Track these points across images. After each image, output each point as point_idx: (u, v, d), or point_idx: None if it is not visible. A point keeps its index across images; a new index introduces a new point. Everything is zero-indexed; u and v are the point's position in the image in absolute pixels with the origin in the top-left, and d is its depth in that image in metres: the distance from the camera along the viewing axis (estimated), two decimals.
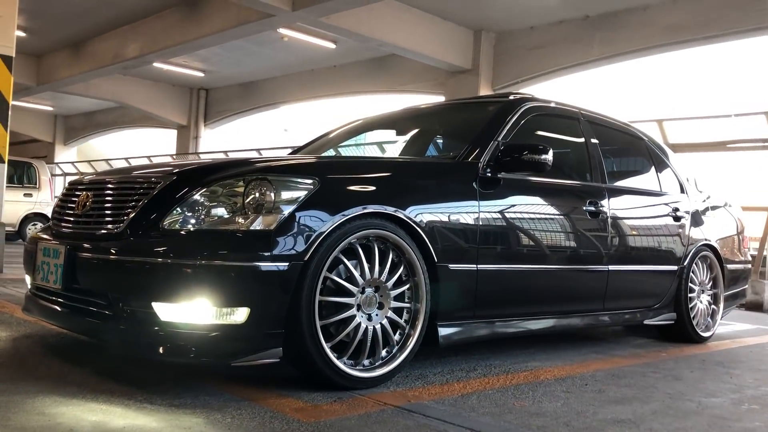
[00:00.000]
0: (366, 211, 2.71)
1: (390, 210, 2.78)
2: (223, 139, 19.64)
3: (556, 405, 2.69)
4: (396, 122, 4.50)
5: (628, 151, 4.67)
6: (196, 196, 2.58)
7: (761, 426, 2.57)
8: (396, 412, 2.43)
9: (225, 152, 17.14)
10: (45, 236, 3.01)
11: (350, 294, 2.68)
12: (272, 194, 2.55)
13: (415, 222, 2.87)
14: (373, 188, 2.81)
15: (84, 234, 2.75)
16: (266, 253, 2.45)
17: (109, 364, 2.91)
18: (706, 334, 4.79)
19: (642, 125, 9.77)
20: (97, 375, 2.71)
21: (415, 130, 4.32)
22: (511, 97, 3.90)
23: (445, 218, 3.03)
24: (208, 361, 2.49)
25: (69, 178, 22.53)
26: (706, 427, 2.53)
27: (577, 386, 3.07)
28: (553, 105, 4.03)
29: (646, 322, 4.40)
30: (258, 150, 15.86)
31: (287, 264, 2.48)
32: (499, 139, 3.45)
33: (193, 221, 2.54)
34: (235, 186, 2.59)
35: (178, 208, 2.56)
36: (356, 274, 2.70)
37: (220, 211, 2.56)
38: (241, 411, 2.32)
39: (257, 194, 2.55)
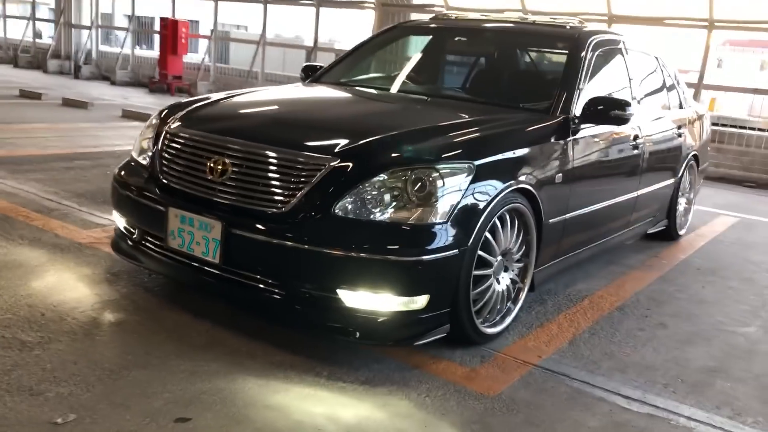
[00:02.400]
0: (511, 189, 2.89)
1: (527, 185, 2.98)
2: None
3: (649, 351, 3.18)
4: (441, 42, 4.46)
5: (648, 74, 4.92)
6: (365, 183, 2.62)
7: None
8: (544, 376, 2.81)
9: None
10: (163, 196, 2.94)
11: (490, 264, 2.93)
12: (441, 182, 2.65)
13: (535, 189, 3.08)
14: (512, 165, 2.98)
15: (237, 208, 2.73)
16: (445, 244, 2.61)
17: (241, 320, 3.03)
18: (681, 232, 5.48)
19: None
20: (255, 339, 2.84)
21: (467, 55, 4.33)
22: (573, 31, 4.00)
23: (550, 178, 3.25)
24: (393, 344, 2.71)
25: None
26: None
27: (640, 318, 3.58)
28: (610, 36, 4.16)
29: (649, 231, 4.96)
30: None
31: (458, 250, 2.66)
32: (581, 87, 3.61)
33: (365, 209, 2.61)
34: (402, 175, 2.65)
35: (349, 195, 2.61)
36: (495, 245, 2.93)
37: (389, 198, 2.63)
38: (426, 385, 2.61)
39: (427, 183, 2.64)
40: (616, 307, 3.73)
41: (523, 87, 4.08)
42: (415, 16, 11.81)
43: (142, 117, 9.62)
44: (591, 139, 3.61)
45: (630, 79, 4.33)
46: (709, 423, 2.55)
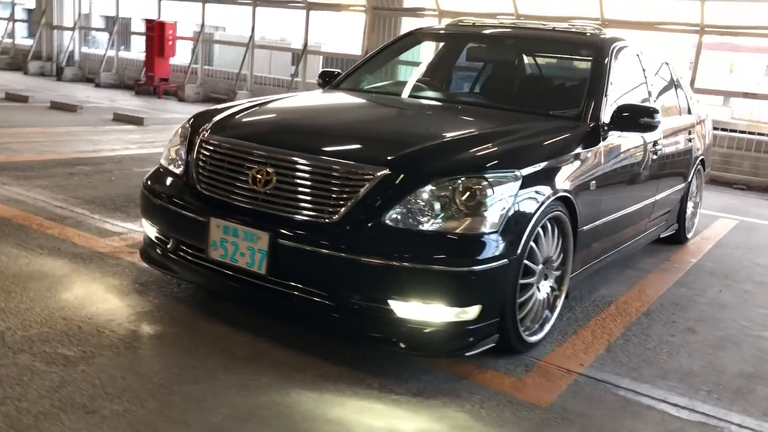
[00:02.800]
0: (555, 197, 2.89)
1: (567, 193, 2.99)
2: None
3: (684, 357, 3.20)
4: (461, 48, 4.46)
5: (662, 80, 4.97)
6: (415, 193, 2.61)
7: None
8: (589, 384, 2.81)
9: None
10: (202, 206, 2.90)
11: (533, 273, 2.92)
12: (490, 191, 2.64)
13: (573, 196, 3.09)
14: (554, 173, 2.98)
15: (283, 218, 2.70)
16: (496, 253, 2.60)
17: (279, 330, 3.00)
18: (689, 235, 5.53)
19: None
20: (297, 351, 2.81)
21: (488, 62, 4.33)
22: (595, 38, 4.02)
23: (585, 185, 3.26)
24: (445, 355, 2.70)
25: None
26: None
27: (668, 324, 3.61)
28: (628, 43, 4.19)
29: (661, 235, 5.01)
30: None
31: (507, 260, 2.66)
32: (608, 94, 3.63)
33: (414, 219, 2.59)
34: (451, 184, 2.64)
35: (399, 204, 2.59)
36: (538, 253, 2.92)
37: (439, 208, 2.62)
38: (478, 396, 2.59)
39: (476, 193, 2.63)
40: (642, 313, 3.75)
41: (549, 94, 4.09)
42: (406, 20, 11.82)
43: (134, 120, 9.51)
44: (619, 146, 3.63)
45: (648, 85, 4.36)
46: (761, 431, 2.57)
